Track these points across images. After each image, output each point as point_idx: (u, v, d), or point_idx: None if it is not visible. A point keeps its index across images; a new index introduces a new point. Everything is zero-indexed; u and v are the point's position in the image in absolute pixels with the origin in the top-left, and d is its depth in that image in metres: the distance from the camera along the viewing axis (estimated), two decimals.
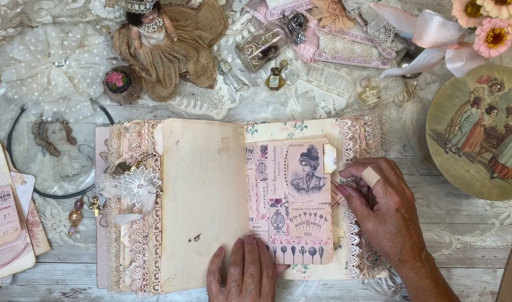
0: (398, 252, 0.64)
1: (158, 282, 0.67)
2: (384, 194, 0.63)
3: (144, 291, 0.67)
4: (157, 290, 0.67)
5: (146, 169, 0.68)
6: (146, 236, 0.68)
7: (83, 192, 0.77)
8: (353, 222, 0.72)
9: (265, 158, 0.74)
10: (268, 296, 0.66)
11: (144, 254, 0.68)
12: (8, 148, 0.76)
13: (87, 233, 0.77)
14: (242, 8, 0.79)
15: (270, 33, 0.76)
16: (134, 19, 0.65)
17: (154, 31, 0.67)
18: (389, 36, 0.75)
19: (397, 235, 0.63)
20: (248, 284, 0.66)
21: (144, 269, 0.68)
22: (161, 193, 0.68)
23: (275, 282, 0.69)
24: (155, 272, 0.67)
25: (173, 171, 0.69)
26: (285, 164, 0.73)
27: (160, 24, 0.67)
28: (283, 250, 0.72)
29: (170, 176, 0.69)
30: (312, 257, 0.71)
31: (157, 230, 0.68)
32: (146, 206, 0.67)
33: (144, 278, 0.68)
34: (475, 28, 0.52)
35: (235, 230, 0.73)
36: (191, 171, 0.70)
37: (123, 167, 0.69)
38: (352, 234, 0.72)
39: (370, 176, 0.64)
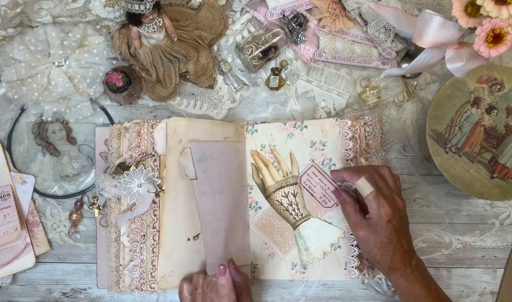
0: (389, 261, 0.64)
1: (155, 280, 0.68)
2: (376, 206, 0.63)
3: (141, 289, 0.68)
4: (153, 288, 0.67)
5: (145, 168, 0.68)
6: (144, 235, 0.68)
7: (83, 192, 0.77)
8: None
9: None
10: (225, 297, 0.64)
11: (142, 253, 0.68)
12: (8, 149, 0.76)
13: (87, 233, 0.77)
14: (242, 8, 0.79)
15: (270, 33, 0.76)
16: (134, 19, 0.65)
17: (154, 31, 0.67)
18: (389, 36, 0.75)
19: (388, 245, 0.63)
20: (205, 294, 0.65)
21: (141, 268, 0.68)
22: (161, 191, 0.68)
23: (247, 280, 0.68)
24: (151, 270, 0.68)
25: (175, 170, 0.69)
26: None
27: (160, 24, 0.67)
28: None
29: (172, 175, 0.69)
30: None
31: (155, 229, 0.68)
32: (141, 205, 0.67)
33: (141, 277, 0.68)
34: (475, 28, 0.52)
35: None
36: None
37: (123, 167, 0.69)
38: (351, 234, 0.72)
39: (364, 186, 0.64)
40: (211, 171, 0.70)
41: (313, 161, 0.74)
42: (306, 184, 0.74)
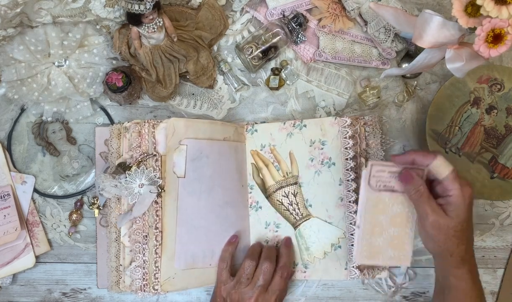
0: (463, 251, 0.58)
1: (158, 281, 0.67)
2: (459, 185, 0.56)
3: (144, 291, 0.68)
4: (157, 289, 0.67)
5: (146, 168, 0.68)
6: (146, 236, 0.68)
7: (83, 192, 0.77)
8: (353, 223, 0.72)
9: None
10: (274, 294, 0.66)
11: (144, 254, 0.68)
12: (8, 149, 0.76)
13: (87, 233, 0.77)
14: (242, 8, 0.79)
15: (270, 33, 0.76)
16: (134, 19, 0.65)
17: (154, 31, 0.67)
18: (389, 36, 0.75)
19: (466, 231, 0.57)
20: (258, 279, 0.66)
21: (144, 269, 0.68)
22: (163, 192, 0.68)
23: (287, 284, 0.69)
24: (154, 272, 0.67)
25: None
26: None
27: (160, 24, 0.67)
28: None
29: (173, 176, 0.69)
30: None
31: (157, 230, 0.68)
32: (140, 205, 0.67)
33: (144, 278, 0.68)
34: (475, 28, 0.52)
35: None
36: None
37: (123, 167, 0.69)
38: (352, 234, 0.72)
39: (442, 166, 0.56)
40: (203, 170, 0.70)
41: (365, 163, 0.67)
42: (379, 186, 0.61)
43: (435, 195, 0.59)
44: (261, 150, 0.76)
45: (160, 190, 0.68)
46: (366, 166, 0.63)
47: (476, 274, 0.61)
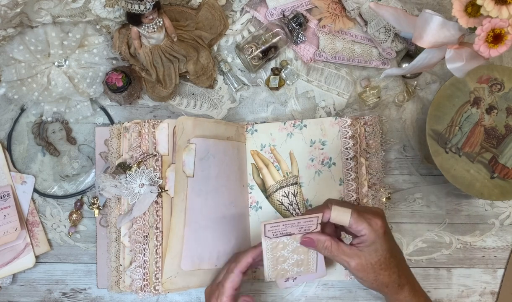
0: (397, 277, 0.58)
1: (159, 282, 0.67)
2: (367, 223, 0.56)
3: (144, 291, 0.67)
4: (158, 290, 0.67)
5: (147, 168, 0.68)
6: (147, 236, 0.68)
7: (83, 192, 0.77)
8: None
9: None
10: None
11: (145, 254, 0.68)
12: (8, 149, 0.76)
13: (87, 233, 0.77)
14: (242, 8, 0.79)
15: (270, 33, 0.76)
16: (134, 19, 0.65)
17: (154, 31, 0.67)
18: (389, 36, 0.75)
19: (391, 260, 0.57)
20: None
21: (144, 269, 0.68)
22: (164, 192, 0.68)
23: None
24: (155, 272, 0.67)
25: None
26: None
27: (160, 24, 0.67)
28: None
29: (181, 176, 0.69)
30: None
31: (158, 230, 0.68)
32: (139, 205, 0.67)
33: (144, 278, 0.68)
34: (475, 28, 0.52)
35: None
36: None
37: (123, 167, 0.69)
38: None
39: (341, 215, 0.57)
40: (210, 170, 0.70)
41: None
42: (276, 234, 0.60)
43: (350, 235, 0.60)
44: (261, 150, 0.76)
45: (160, 190, 0.68)
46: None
47: (417, 289, 0.61)
